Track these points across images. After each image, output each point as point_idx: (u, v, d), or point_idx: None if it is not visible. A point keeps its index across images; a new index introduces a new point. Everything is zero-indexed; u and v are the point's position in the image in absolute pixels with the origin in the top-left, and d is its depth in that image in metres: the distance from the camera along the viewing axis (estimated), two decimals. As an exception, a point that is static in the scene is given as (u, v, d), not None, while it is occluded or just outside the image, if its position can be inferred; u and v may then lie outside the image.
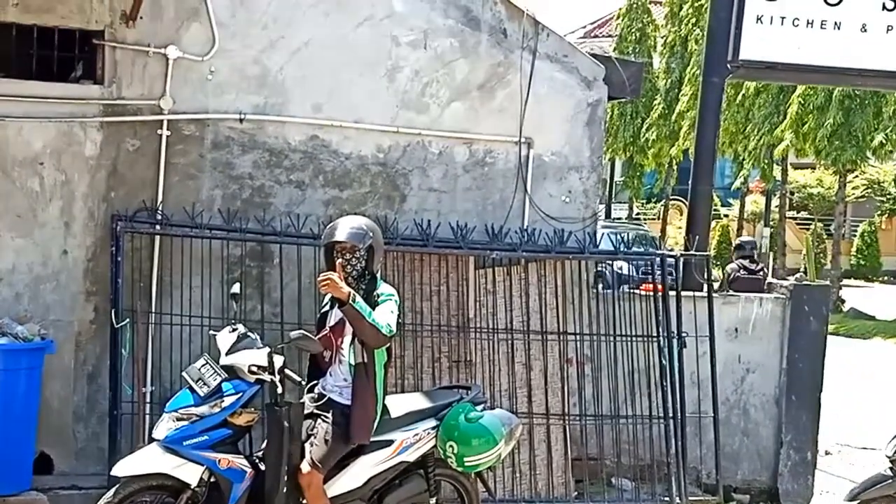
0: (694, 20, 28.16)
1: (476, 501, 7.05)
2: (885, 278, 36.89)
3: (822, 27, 9.94)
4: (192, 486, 6.20)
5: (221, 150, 8.39)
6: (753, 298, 9.74)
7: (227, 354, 6.36)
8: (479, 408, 6.81)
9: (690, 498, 8.99)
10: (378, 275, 6.59)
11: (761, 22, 9.86)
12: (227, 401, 6.24)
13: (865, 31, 10.00)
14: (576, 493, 8.88)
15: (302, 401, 6.51)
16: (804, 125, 24.49)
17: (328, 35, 8.55)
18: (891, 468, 7.39)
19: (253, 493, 6.33)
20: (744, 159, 28.56)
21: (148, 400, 8.05)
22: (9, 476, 7.48)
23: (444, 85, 8.89)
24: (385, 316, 6.28)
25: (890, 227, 39.08)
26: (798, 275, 11.89)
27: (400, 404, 6.78)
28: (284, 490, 6.26)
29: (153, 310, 8.18)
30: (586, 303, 9.06)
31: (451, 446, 6.62)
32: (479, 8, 8.90)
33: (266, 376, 6.29)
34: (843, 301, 26.83)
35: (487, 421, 6.69)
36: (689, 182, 10.58)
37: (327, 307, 6.59)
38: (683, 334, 9.06)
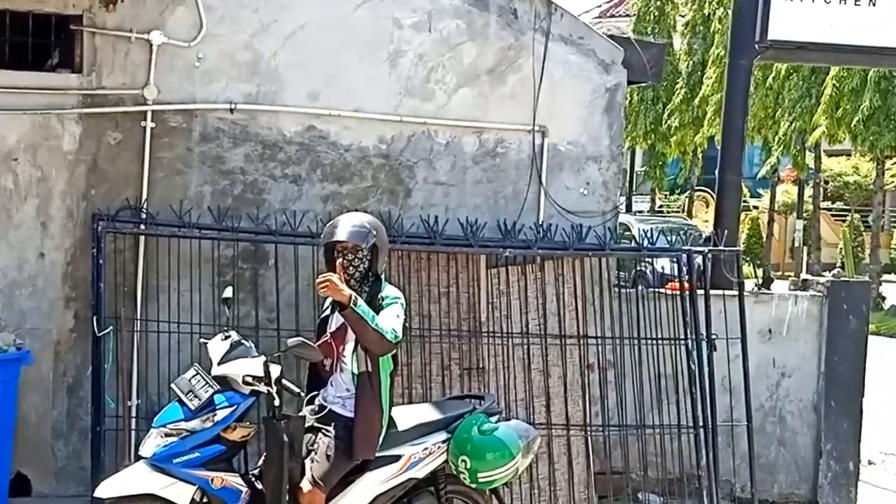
0: (717, -1, 28.13)
1: (491, 520, 7.02)
2: (929, 272, 36.83)
3: (856, 4, 9.92)
4: (183, 508, 6.17)
5: (210, 142, 8.37)
6: (788, 296, 9.72)
7: (219, 364, 6.33)
8: (493, 419, 6.78)
9: (723, 513, 8.98)
10: (382, 276, 6.56)
11: (791, -1, 9.85)
12: (220, 414, 6.20)
13: (903, 7, 9.99)
14: (599, 509, 8.87)
15: (301, 413, 6.47)
16: (838, 109, 24.43)
17: (325, 17, 8.53)
18: None
19: (249, 515, 6.30)
20: (773, 146, 28.48)
21: (133, 414, 8.05)
22: (-17, 499, 7.47)
23: (450, 70, 8.86)
24: (390, 320, 6.24)
25: (933, 216, 39.03)
26: (835, 270, 11.81)
27: (407, 416, 6.74)
28: (284, 510, 6.23)
29: (138, 316, 8.16)
30: (608, 303, 9.02)
31: (463, 461, 6.58)
32: (486, -14, 8.89)
33: (262, 387, 6.25)
34: (883, 298, 26.74)
35: (503, 433, 6.65)
36: (716, 172, 10.60)
37: (327, 312, 6.56)
38: (713, 336, 9.02)
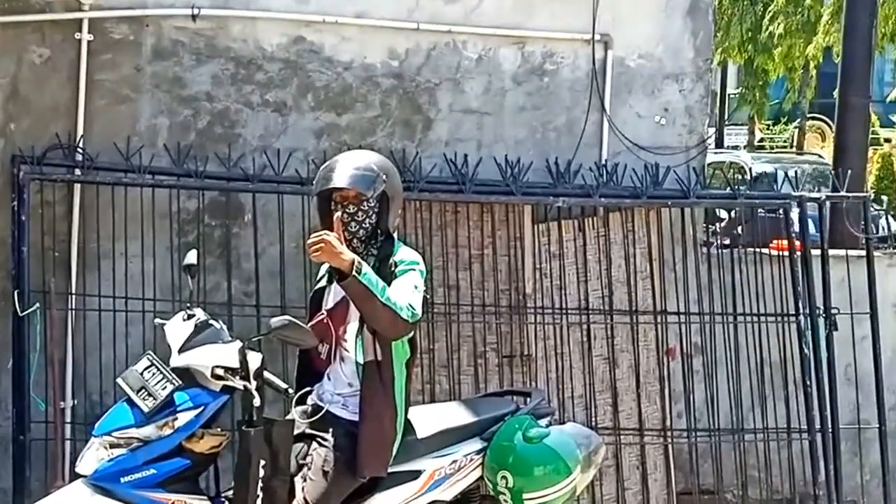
0: None
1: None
2: None
3: None
4: (133, 542, 6.19)
5: (167, 60, 8.38)
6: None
7: (180, 352, 6.30)
8: (542, 422, 6.77)
9: (848, 541, 9.04)
10: (395, 235, 6.51)
11: None
12: (183, 418, 6.18)
13: None
14: (684, 540, 8.94)
15: (289, 417, 6.46)
16: None
17: None
18: None
19: (221, 549, 6.32)
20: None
21: (68, 419, 8.08)
22: None
23: (482, -41, 8.86)
24: (406, 293, 6.19)
25: None
26: None
27: (430, 419, 6.72)
28: (266, 545, 6.23)
29: (73, 290, 8.19)
30: (693, 270, 8.98)
31: (503, 478, 6.57)
32: None
33: (237, 382, 6.22)
34: None
35: (555, 441, 6.63)
36: (835, 93, 10.55)
37: (323, 283, 6.54)
38: (833, 311, 9.00)
